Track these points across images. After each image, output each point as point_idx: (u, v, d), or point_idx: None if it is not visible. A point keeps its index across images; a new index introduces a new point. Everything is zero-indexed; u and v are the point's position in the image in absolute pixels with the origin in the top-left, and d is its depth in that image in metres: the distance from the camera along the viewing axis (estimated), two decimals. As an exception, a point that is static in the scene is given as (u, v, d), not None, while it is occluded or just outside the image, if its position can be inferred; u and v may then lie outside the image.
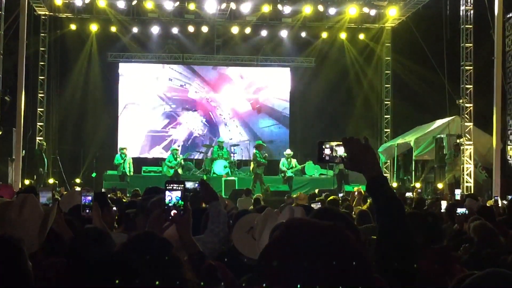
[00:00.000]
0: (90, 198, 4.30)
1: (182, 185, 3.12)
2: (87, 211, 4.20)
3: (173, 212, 3.06)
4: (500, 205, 11.94)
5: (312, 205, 7.37)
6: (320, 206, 7.24)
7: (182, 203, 3.10)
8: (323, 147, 2.57)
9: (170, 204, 3.08)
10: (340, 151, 2.54)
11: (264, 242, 3.25)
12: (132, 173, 20.19)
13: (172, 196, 3.09)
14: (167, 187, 3.10)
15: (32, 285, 2.61)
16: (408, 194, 15.03)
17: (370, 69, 24.02)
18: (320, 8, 21.38)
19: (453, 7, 18.67)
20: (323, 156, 2.57)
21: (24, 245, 2.74)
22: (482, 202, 11.67)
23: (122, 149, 20.42)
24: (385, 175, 2.61)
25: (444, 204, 9.88)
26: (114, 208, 5.87)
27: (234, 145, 22.09)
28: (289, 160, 19.79)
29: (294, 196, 13.72)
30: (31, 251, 3.33)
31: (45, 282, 3.03)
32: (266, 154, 19.92)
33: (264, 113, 24.29)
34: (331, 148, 2.56)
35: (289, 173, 19.62)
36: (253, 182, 19.19)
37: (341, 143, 2.50)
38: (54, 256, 3.36)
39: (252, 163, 19.73)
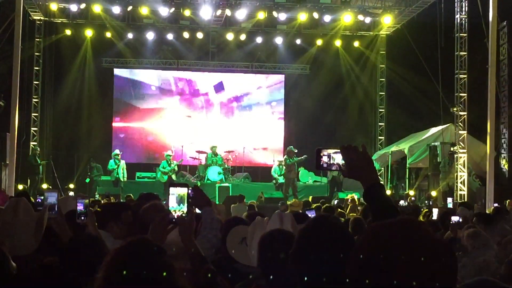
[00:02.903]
0: (84, 205, 4.22)
1: (185, 189, 3.10)
2: (82, 218, 4.12)
3: (176, 215, 3.05)
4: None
5: (307, 213, 7.33)
6: (315, 214, 7.21)
7: (185, 207, 3.08)
8: (321, 154, 2.57)
9: (173, 208, 3.07)
10: (338, 158, 2.55)
11: (253, 250, 3.24)
12: (125, 179, 20.13)
13: (175, 200, 3.07)
14: (171, 191, 3.08)
15: (15, 285, 2.60)
16: (401, 202, 15.05)
17: (364, 77, 24.05)
18: (315, 15, 21.40)
19: (448, 16, 18.73)
20: (321, 163, 2.58)
21: (7, 247, 2.72)
22: (477, 210, 11.70)
23: (116, 154, 20.34)
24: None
25: (435, 212, 9.82)
26: None
27: (229, 151, 22.05)
28: (281, 167, 19.77)
29: (289, 202, 13.72)
30: (29, 252, 3.33)
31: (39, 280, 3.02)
32: (299, 159, 19.54)
33: (258, 120, 24.26)
34: (329, 156, 2.57)
35: (281, 180, 19.61)
36: (286, 188, 19.07)
37: (338, 150, 2.52)
38: (50, 256, 3.35)
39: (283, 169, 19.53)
